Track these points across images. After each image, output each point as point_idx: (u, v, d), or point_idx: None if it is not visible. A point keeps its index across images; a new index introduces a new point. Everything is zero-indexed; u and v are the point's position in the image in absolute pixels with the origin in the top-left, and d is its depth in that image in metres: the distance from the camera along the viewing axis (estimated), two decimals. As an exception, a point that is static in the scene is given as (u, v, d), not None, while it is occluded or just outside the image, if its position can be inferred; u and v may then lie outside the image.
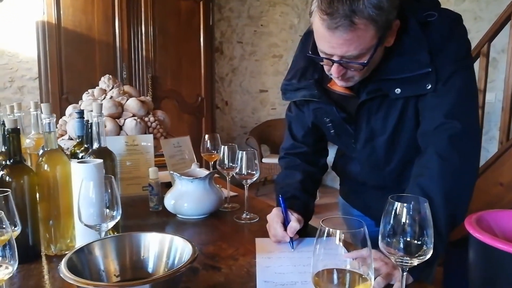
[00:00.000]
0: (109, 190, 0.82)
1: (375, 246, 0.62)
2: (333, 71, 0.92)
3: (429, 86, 0.91)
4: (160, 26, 3.66)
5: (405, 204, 0.62)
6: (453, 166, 0.88)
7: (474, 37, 3.22)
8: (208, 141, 1.48)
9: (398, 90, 0.94)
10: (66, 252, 0.94)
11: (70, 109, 1.52)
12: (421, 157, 0.94)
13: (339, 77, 0.93)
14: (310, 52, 0.96)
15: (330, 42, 0.86)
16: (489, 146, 3.18)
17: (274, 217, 1.04)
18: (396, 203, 0.62)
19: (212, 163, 1.46)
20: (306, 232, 1.07)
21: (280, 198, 1.05)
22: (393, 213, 0.63)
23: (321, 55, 0.91)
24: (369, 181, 1.18)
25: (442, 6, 0.98)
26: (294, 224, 1.00)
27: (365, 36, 0.83)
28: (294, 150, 1.24)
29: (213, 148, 1.48)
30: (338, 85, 1.02)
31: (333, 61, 0.89)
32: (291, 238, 1.00)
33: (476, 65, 2.68)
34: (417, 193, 0.85)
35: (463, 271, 1.89)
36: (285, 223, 1.02)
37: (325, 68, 0.96)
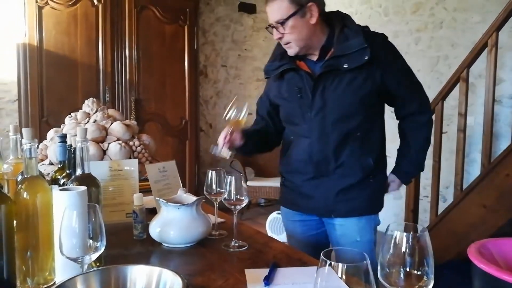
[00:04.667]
0: (93, 220, 0.78)
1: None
2: (274, 35, 1.35)
3: (366, 57, 1.29)
4: (144, 49, 3.66)
5: (404, 233, 0.60)
6: None
7: (452, 62, 3.33)
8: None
9: (345, 65, 1.32)
10: (44, 287, 0.89)
11: (51, 133, 1.47)
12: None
13: (280, 41, 1.36)
14: (267, 29, 1.39)
15: (268, 13, 1.33)
16: (470, 169, 3.23)
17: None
18: (396, 232, 0.61)
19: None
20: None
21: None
22: (392, 242, 0.62)
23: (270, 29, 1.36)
24: (314, 155, 1.40)
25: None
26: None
27: (282, 6, 1.29)
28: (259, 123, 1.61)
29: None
30: (302, 64, 1.41)
31: (271, 26, 1.34)
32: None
33: (456, 90, 2.76)
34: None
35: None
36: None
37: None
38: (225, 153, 1.32)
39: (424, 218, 3.30)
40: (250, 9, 4.91)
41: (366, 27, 1.42)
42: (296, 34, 1.32)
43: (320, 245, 1.53)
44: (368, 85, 1.34)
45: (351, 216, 1.42)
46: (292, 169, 1.50)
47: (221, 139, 1.33)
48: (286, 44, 1.36)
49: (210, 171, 1.26)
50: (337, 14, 1.43)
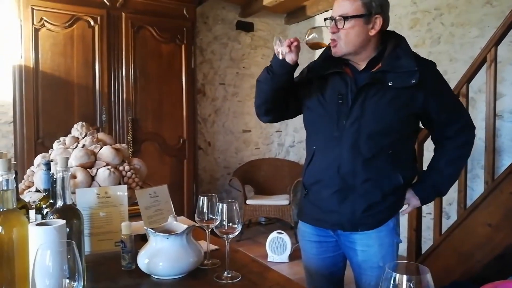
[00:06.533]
0: (70, 257, 0.72)
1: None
2: (330, 28, 1.36)
3: (413, 81, 1.31)
4: (141, 69, 3.64)
5: (405, 276, 0.54)
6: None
7: (451, 77, 3.29)
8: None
9: (391, 82, 1.32)
10: (20, 329, 0.83)
11: (38, 159, 1.43)
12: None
13: (332, 36, 1.35)
14: (325, 22, 1.38)
15: (336, 5, 1.34)
16: (473, 185, 3.17)
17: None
18: (395, 274, 0.55)
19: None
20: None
21: None
22: (391, 283, 0.56)
23: (327, 22, 1.36)
24: (343, 165, 1.36)
25: (418, 48, 1.25)
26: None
27: (354, 3, 1.31)
28: None
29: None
30: (347, 70, 1.40)
31: (332, 19, 1.34)
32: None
33: (456, 106, 2.71)
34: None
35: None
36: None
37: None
38: (285, 50, 1.32)
39: (428, 235, 3.22)
40: (247, 27, 4.93)
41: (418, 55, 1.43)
42: (350, 37, 1.33)
43: (336, 268, 1.53)
44: (409, 107, 1.35)
45: (377, 228, 1.41)
46: (317, 180, 1.45)
47: (288, 39, 1.32)
48: (335, 41, 1.35)
49: (202, 197, 1.20)
50: (393, 33, 1.44)
